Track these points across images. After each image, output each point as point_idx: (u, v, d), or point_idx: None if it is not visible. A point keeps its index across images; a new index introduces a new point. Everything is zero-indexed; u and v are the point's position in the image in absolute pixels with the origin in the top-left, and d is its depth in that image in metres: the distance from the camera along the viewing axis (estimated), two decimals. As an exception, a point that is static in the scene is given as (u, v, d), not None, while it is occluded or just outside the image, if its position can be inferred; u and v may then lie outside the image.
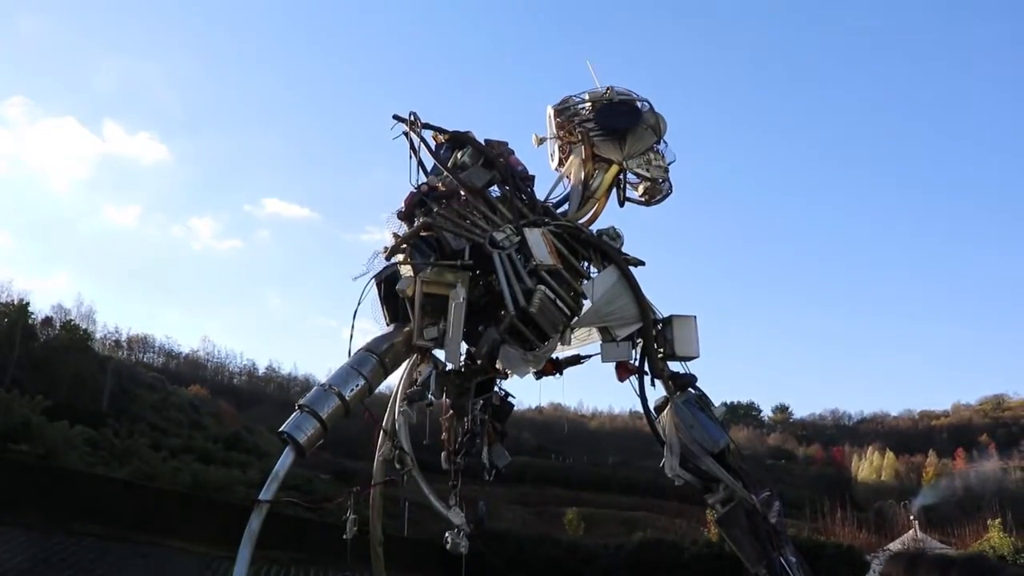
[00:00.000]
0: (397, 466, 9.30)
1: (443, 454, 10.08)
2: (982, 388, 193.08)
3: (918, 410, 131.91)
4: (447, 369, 9.38)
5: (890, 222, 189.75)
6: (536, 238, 9.47)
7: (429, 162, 10.29)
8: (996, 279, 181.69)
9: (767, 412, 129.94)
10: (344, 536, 9.40)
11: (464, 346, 9.48)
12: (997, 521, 37.23)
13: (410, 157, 10.13)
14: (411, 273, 9.23)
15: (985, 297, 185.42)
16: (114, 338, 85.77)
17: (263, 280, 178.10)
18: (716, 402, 10.33)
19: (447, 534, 9.17)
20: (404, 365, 9.66)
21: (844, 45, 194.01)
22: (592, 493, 73.98)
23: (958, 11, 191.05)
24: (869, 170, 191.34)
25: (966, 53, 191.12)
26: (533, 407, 69.93)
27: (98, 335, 76.65)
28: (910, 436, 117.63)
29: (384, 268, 9.63)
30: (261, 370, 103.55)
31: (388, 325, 9.54)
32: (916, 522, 33.99)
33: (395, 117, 10.22)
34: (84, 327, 64.26)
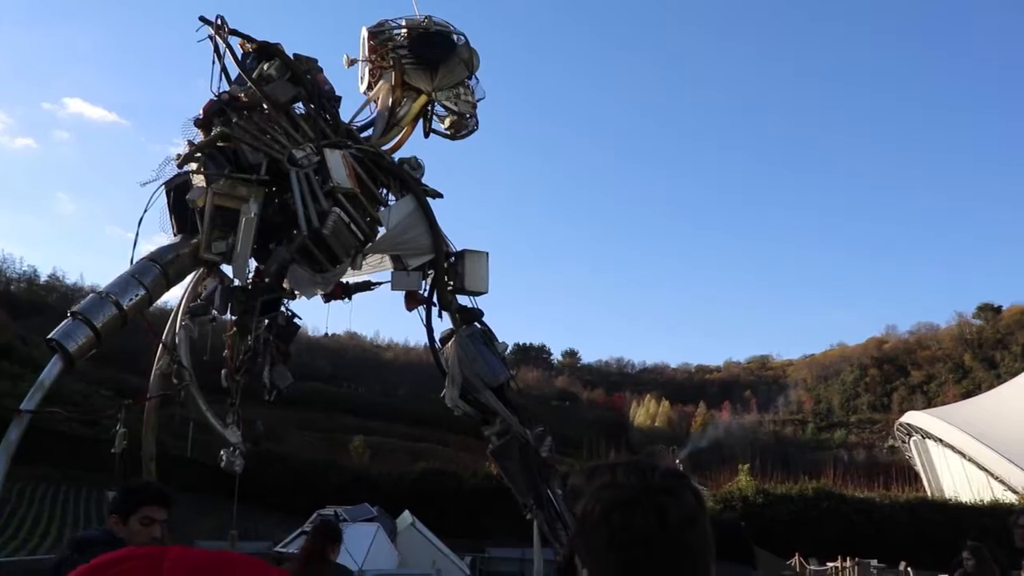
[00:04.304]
0: (175, 381, 9.11)
1: (223, 371, 9.90)
2: (751, 348, 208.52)
3: (695, 364, 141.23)
4: (233, 285, 9.18)
5: (687, 191, 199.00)
6: (336, 160, 9.35)
7: (234, 71, 9.88)
8: (768, 251, 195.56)
9: (557, 355, 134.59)
10: (113, 450, 9.12)
11: (253, 263, 9.34)
12: (746, 467, 40.78)
13: (213, 63, 9.71)
14: (203, 183, 8.95)
15: (757, 267, 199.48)
16: None
17: (56, 184, 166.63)
18: (508, 341, 10.68)
19: (222, 452, 9.12)
20: (189, 278, 9.43)
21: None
22: (381, 423, 74.63)
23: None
24: (686, 134, 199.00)
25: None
26: (328, 334, 69.30)
27: None
28: (685, 387, 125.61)
29: (176, 176, 9.27)
30: (43, 278, 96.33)
31: (175, 235, 9.22)
32: (681, 466, 36.56)
33: (201, 19, 9.73)
34: None
